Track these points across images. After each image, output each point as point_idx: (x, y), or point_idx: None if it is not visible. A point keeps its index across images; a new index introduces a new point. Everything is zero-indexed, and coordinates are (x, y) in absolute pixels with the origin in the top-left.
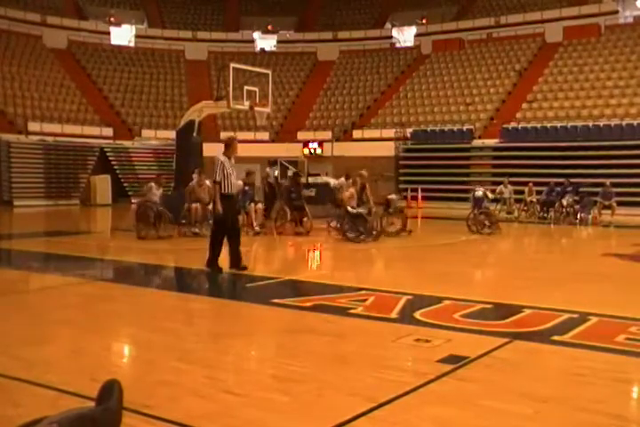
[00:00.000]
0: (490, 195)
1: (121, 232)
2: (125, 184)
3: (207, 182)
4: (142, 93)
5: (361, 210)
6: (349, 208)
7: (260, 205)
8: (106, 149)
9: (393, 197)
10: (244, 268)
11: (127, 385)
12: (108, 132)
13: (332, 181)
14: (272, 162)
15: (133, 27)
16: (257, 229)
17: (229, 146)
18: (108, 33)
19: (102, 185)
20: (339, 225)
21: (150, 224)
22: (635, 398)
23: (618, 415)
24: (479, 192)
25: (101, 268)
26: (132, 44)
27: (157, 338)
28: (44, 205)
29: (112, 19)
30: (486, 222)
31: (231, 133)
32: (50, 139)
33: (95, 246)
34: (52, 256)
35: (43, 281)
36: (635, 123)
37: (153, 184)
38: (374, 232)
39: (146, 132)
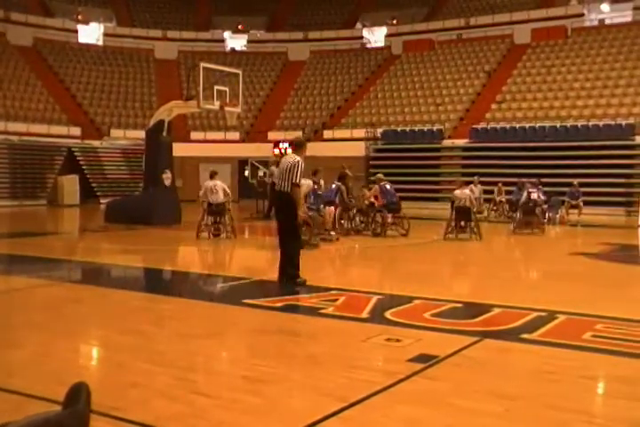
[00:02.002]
0: (534, 196)
1: (90, 233)
2: (94, 185)
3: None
4: (111, 93)
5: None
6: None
7: (332, 208)
8: (73, 149)
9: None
10: (303, 281)
11: (96, 388)
12: (76, 131)
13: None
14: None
15: (102, 25)
16: (332, 233)
17: (301, 147)
18: (76, 31)
19: (70, 185)
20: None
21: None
22: (601, 394)
23: (585, 412)
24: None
25: (69, 269)
26: (100, 43)
27: (127, 340)
28: (10, 206)
29: (79, 16)
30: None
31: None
32: (15, 138)
33: (63, 247)
34: (17, 258)
35: (8, 283)
36: (600, 124)
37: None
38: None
39: (115, 132)
